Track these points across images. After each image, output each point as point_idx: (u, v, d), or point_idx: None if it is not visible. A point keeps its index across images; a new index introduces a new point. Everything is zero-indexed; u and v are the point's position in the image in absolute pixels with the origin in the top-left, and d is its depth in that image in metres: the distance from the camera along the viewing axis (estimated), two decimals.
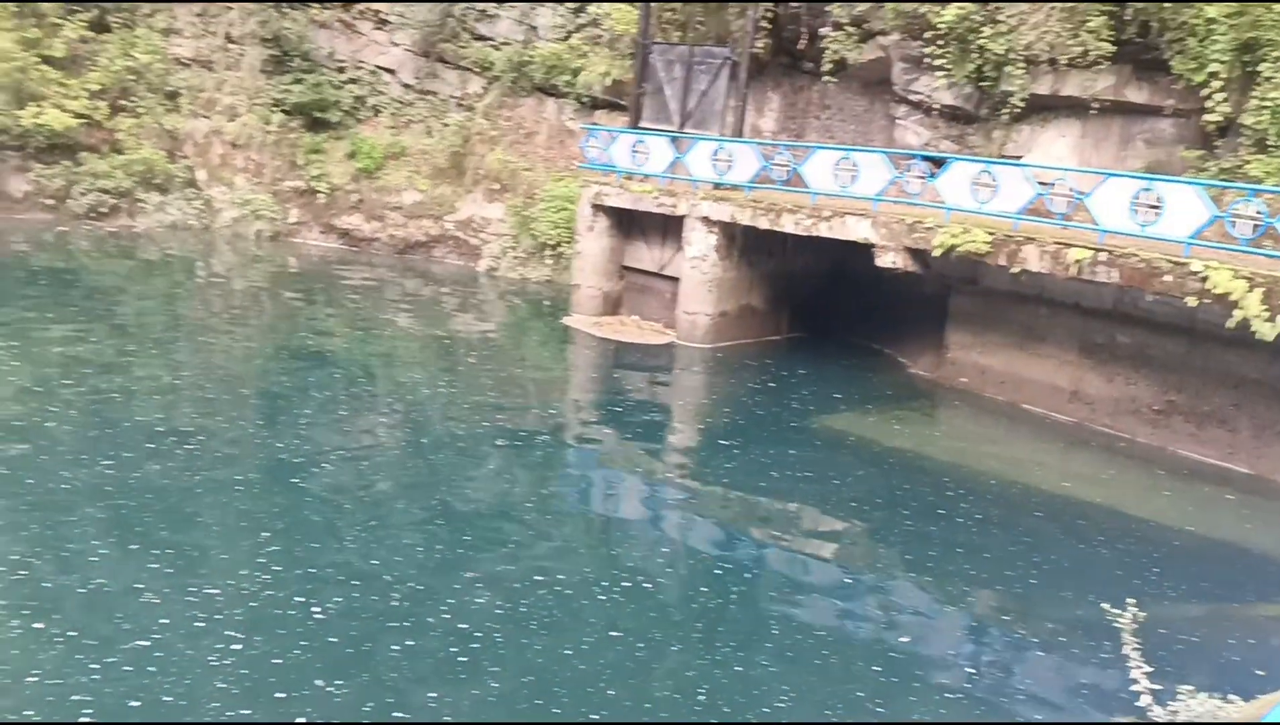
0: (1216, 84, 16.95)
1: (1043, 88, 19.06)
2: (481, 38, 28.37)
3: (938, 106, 20.66)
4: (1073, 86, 18.77)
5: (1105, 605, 6.21)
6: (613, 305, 22.26)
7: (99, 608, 8.32)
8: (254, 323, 20.15)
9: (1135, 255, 14.82)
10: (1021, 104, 19.23)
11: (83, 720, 6.86)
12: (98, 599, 8.47)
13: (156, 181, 27.51)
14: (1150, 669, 5.39)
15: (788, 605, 9.89)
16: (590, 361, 19.84)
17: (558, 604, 9.26)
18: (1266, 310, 13.37)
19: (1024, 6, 18.94)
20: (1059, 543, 12.03)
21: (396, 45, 29.14)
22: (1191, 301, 14.18)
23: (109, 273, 22.83)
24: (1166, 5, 17.37)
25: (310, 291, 23.02)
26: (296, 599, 8.77)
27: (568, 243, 24.16)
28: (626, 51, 25.06)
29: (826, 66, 21.85)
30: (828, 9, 21.80)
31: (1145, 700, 5.32)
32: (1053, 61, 18.71)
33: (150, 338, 17.67)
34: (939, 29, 19.35)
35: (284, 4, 28.76)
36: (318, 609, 8.62)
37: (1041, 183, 16.60)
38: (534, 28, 27.69)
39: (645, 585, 9.87)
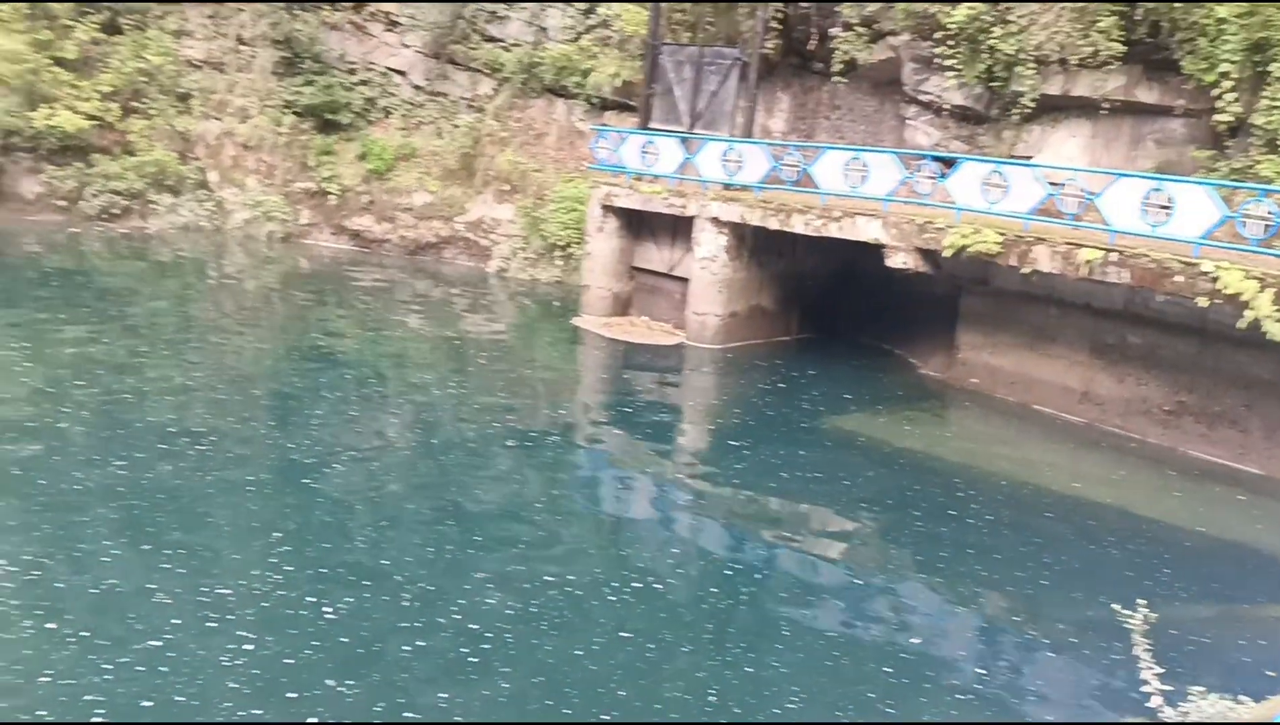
0: (1227, 84, 16.89)
1: (1053, 88, 19.03)
2: (492, 39, 28.41)
3: (948, 107, 20.63)
4: (1083, 87, 18.73)
5: (1116, 606, 6.21)
6: (622, 306, 22.27)
7: (111, 608, 8.37)
8: (265, 324, 20.22)
9: (1146, 256, 14.78)
10: (1032, 104, 19.19)
11: (95, 720, 6.89)
12: (110, 599, 8.51)
13: (168, 183, 27.63)
14: (1161, 670, 5.39)
15: (798, 606, 9.89)
16: (600, 362, 19.86)
17: (568, 604, 9.28)
18: (1278, 311, 13.32)
19: (1034, 7, 18.90)
20: (1070, 543, 12.01)
21: (407, 47, 29.21)
22: (1202, 302, 14.14)
23: (121, 274, 22.92)
24: (1177, 5, 17.32)
25: (321, 292, 23.09)
26: (308, 599, 8.80)
27: (577, 244, 24.19)
28: (636, 52, 25.06)
29: (836, 67, 21.82)
30: (838, 9, 21.77)
31: (1156, 701, 5.31)
32: (1063, 62, 18.67)
33: (162, 338, 17.74)
34: (949, 29, 19.33)
35: (295, 5, 28.84)
36: (329, 609, 8.66)
37: (1052, 183, 16.57)
38: (544, 29, 27.72)
39: (655, 586, 9.88)
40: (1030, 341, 17.85)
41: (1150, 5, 17.70)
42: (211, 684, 7.40)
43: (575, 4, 27.19)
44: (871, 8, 21.13)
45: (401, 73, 29.49)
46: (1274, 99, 16.35)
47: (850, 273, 20.76)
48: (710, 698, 7.94)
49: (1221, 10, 16.76)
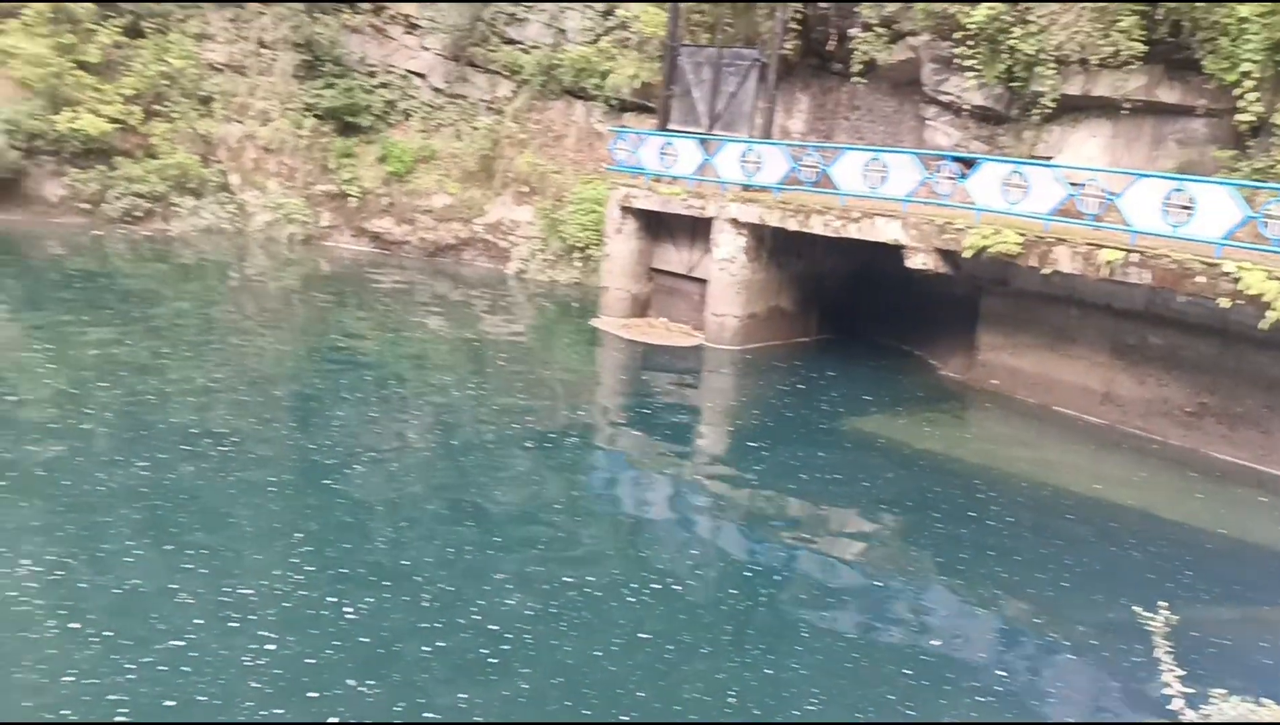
0: (1249, 83, 16.77)
1: (1074, 88, 18.94)
2: (511, 41, 28.50)
3: (968, 107, 20.57)
4: (1104, 87, 18.63)
5: (1137, 608, 6.18)
6: (641, 307, 22.29)
7: (134, 608, 8.43)
8: (286, 325, 20.34)
9: (1167, 256, 14.71)
10: (1052, 104, 19.11)
11: (119, 720, 6.95)
12: (133, 599, 8.57)
13: (190, 186, 27.83)
14: (1182, 672, 5.36)
15: (817, 608, 9.88)
16: (619, 363, 19.88)
17: (587, 605, 9.30)
18: None
19: (1054, 6, 18.82)
20: (1091, 545, 11.96)
21: (427, 50, 29.32)
22: (1224, 303, 14.06)
23: (144, 276, 23.08)
24: (1198, 5, 17.21)
25: (342, 294, 23.21)
26: (329, 599, 8.85)
27: (596, 245, 24.23)
28: (655, 54, 25.09)
29: (856, 67, 21.79)
30: (857, 10, 21.74)
31: (1177, 704, 5.29)
32: (1084, 62, 18.59)
33: (184, 340, 17.85)
34: (969, 29, 19.26)
35: (316, 9, 28.99)
36: (350, 609, 8.70)
37: (1072, 183, 16.50)
38: (563, 31, 27.78)
39: (675, 587, 9.89)
40: (1051, 342, 17.78)
41: (1171, 5, 17.60)
42: (233, 684, 7.45)
43: (594, 6, 27.24)
44: (891, 8, 21.09)
45: (421, 75, 29.61)
46: None
47: (869, 274, 20.72)
48: (729, 699, 7.94)
49: (1243, 9, 16.65)
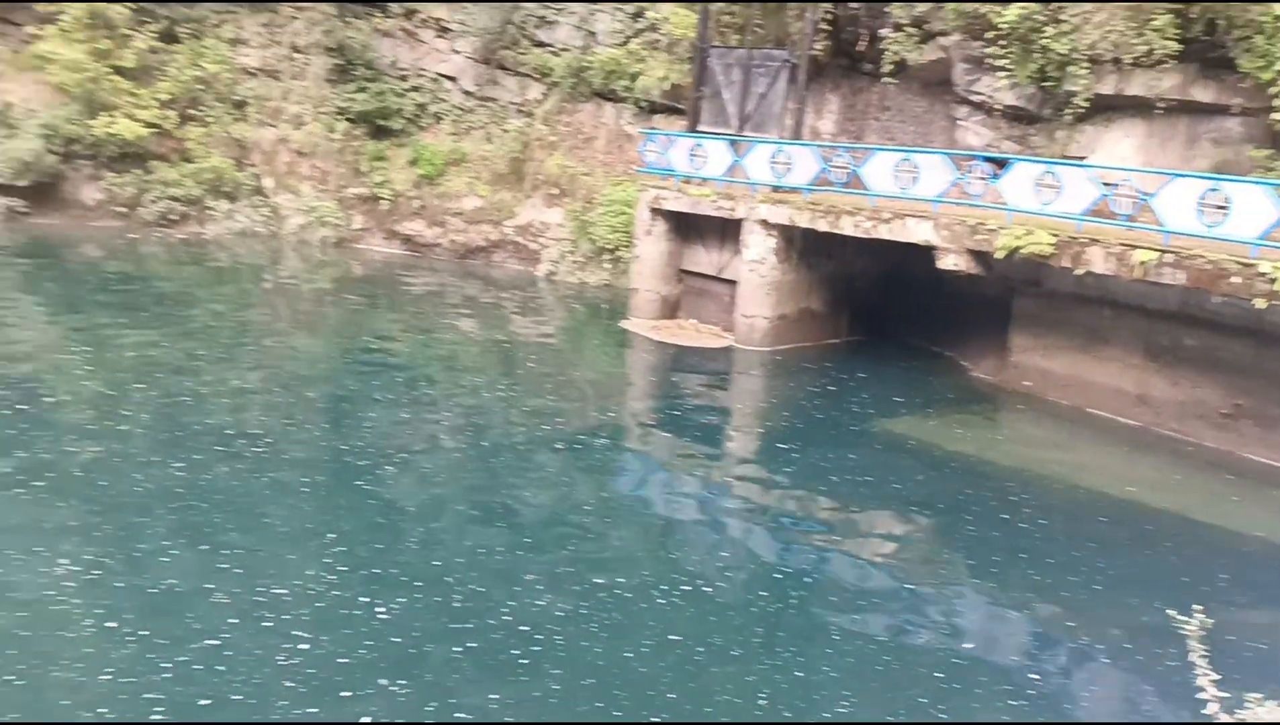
0: None
1: (1107, 87, 18.79)
2: (541, 44, 28.58)
3: (999, 107, 20.44)
4: (1137, 86, 18.47)
5: (1171, 612, 6.13)
6: (671, 309, 22.30)
7: (170, 607, 8.53)
8: (319, 327, 20.51)
9: (1202, 256, 14.57)
10: (1085, 104, 18.96)
11: (155, 720, 7.03)
12: (169, 599, 8.68)
13: (225, 189, 28.12)
14: (1217, 676, 5.32)
15: (848, 610, 9.86)
16: (648, 365, 19.91)
17: (617, 607, 9.33)
18: None
19: (1087, 6, 18.66)
20: (1124, 548, 11.86)
21: (458, 53, 29.45)
22: (1260, 303, 13.92)
23: (179, 279, 23.33)
24: (1234, 3, 17.04)
25: (374, 296, 23.37)
26: (361, 599, 8.93)
27: (626, 247, 24.26)
28: (685, 56, 25.10)
29: (886, 68, 21.70)
30: (887, 10, 21.66)
31: (1212, 708, 5.24)
32: (1117, 61, 18.43)
33: (219, 342, 18.04)
34: (1001, 29, 19.14)
35: (348, 13, 29.20)
36: (382, 609, 8.77)
37: (1106, 183, 16.37)
38: (592, 33, 27.83)
39: (705, 589, 9.90)
40: (1083, 344, 17.65)
41: (1206, 3, 17.42)
42: (268, 683, 7.53)
43: (624, 8, 27.28)
44: (922, 8, 20.99)
45: (452, 78, 29.74)
46: None
47: (900, 274, 20.65)
48: (760, 700, 7.94)
49: (1279, 8, 16.47)
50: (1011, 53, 19.30)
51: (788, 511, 12.49)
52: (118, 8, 26.93)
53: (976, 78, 20.66)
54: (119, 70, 27.06)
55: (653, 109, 26.91)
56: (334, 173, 28.98)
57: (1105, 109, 19.29)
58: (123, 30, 27.28)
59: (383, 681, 7.69)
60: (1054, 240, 16.07)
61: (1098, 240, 15.72)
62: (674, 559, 10.82)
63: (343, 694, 7.49)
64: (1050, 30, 18.74)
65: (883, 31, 21.95)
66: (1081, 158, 19.06)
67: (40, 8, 26.67)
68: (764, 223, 19.97)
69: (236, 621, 8.34)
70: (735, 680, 8.23)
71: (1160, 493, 13.76)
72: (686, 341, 20.78)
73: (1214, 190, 14.79)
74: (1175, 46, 17.78)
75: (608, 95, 27.72)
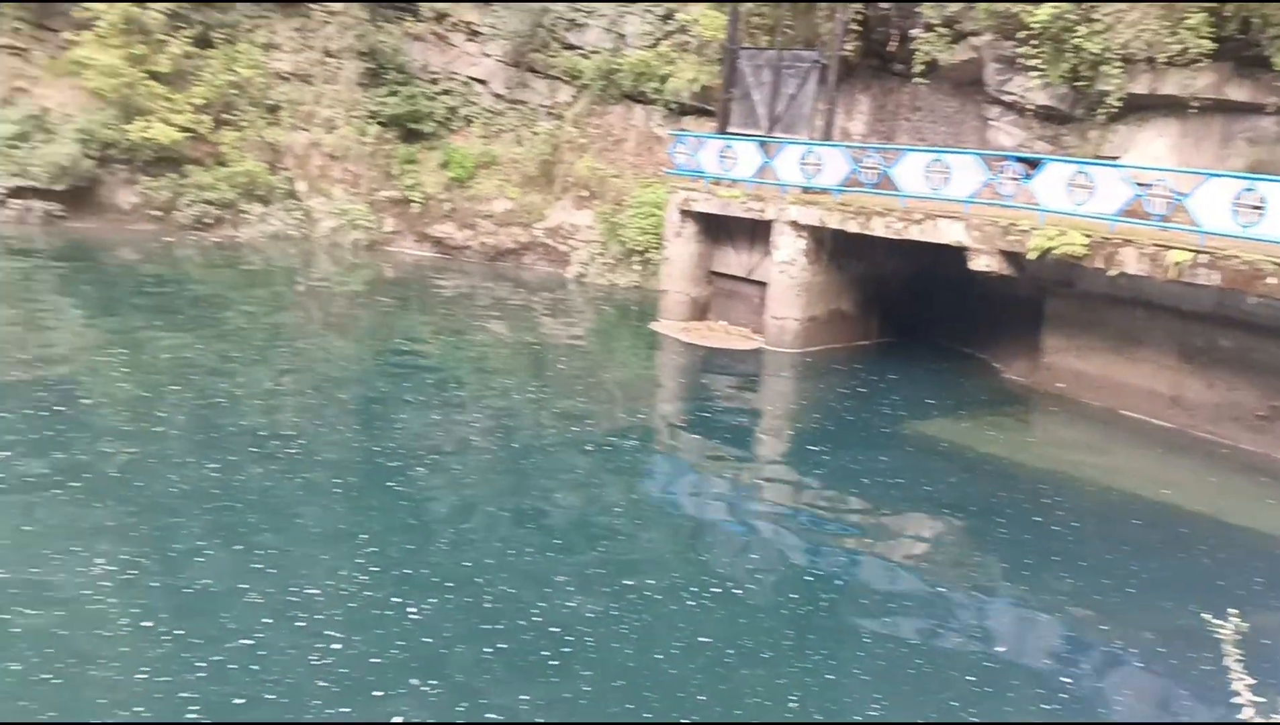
0: None
1: (1140, 87, 18.63)
2: (571, 46, 28.68)
3: (1031, 107, 20.31)
4: (1171, 85, 18.30)
5: (1206, 615, 6.07)
6: (701, 310, 22.30)
7: (205, 607, 8.61)
8: (351, 329, 20.64)
9: (1237, 257, 14.42)
10: (1118, 104, 18.81)
11: (189, 720, 7.10)
12: (203, 599, 8.76)
13: (258, 193, 28.40)
14: (1253, 681, 5.26)
15: (879, 613, 9.83)
16: (678, 367, 19.91)
17: (647, 608, 9.34)
18: None
19: (1120, 5, 18.51)
20: (1158, 551, 11.75)
21: (488, 56, 29.60)
22: None
23: (213, 282, 23.55)
24: (1268, 2, 16.85)
25: (405, 299, 23.52)
26: (393, 600, 8.98)
27: (655, 249, 24.28)
28: (714, 57, 25.10)
29: (917, 68, 21.60)
30: (918, 10, 21.58)
31: (1247, 713, 5.19)
32: (1150, 60, 18.27)
33: (253, 344, 18.20)
34: (1032, 29, 19.02)
35: (380, 8, 29.39)
36: (413, 610, 8.82)
37: (1139, 183, 16.22)
38: (622, 35, 27.89)
39: (735, 591, 9.89)
40: (1117, 345, 17.49)
41: (1240, 2, 17.23)
42: (301, 682, 7.59)
43: (653, 10, 27.31)
44: (953, 8, 20.89)
45: (482, 81, 29.89)
46: None
47: (931, 276, 20.54)
48: (791, 703, 7.93)
49: None
50: (1043, 52, 19.17)
51: (818, 513, 12.46)
52: (154, 12, 27.24)
53: (1008, 77, 20.54)
54: (154, 75, 27.39)
55: (682, 111, 26.94)
56: (365, 176, 29.19)
57: (1139, 108, 19.12)
58: (158, 36, 27.60)
59: (414, 681, 7.73)
60: (1087, 241, 15.95)
61: (1131, 241, 15.59)
62: (704, 561, 10.82)
63: (374, 694, 7.54)
64: (1083, 30, 18.60)
65: (913, 31, 21.87)
66: (1115, 158, 18.90)
67: (76, 13, 27.00)
68: (794, 224, 19.93)
69: (270, 621, 8.41)
70: (765, 682, 8.22)
71: (1195, 495, 13.62)
72: (716, 343, 20.77)
73: (1249, 190, 14.63)
74: (1209, 45, 17.60)
75: (637, 97, 27.76)
